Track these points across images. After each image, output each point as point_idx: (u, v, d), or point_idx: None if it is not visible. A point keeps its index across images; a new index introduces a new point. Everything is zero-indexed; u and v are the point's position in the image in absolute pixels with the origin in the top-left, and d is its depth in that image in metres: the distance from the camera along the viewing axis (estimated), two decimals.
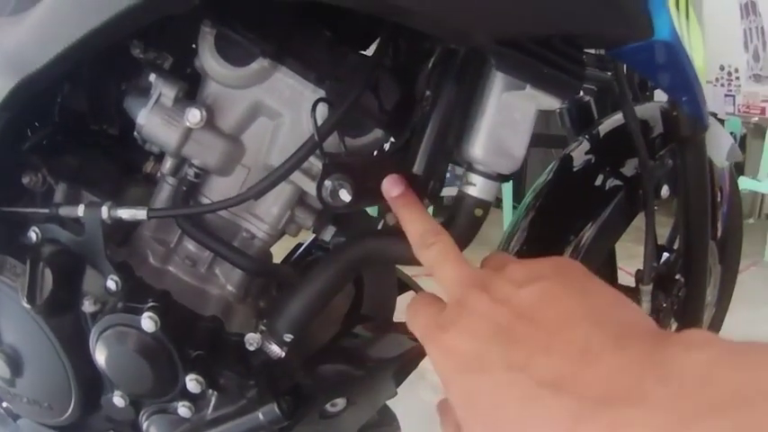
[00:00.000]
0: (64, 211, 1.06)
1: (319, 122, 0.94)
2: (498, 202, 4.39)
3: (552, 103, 0.89)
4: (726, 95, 5.18)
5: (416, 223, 0.80)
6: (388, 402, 1.36)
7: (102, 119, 1.18)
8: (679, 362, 0.47)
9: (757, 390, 0.42)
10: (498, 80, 0.88)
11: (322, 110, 0.96)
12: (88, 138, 1.18)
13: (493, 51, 0.83)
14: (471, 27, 0.81)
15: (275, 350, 1.01)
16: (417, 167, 0.94)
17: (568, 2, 0.81)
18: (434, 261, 0.74)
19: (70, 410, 1.13)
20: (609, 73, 1.43)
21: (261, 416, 1.02)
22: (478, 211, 0.93)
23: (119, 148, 1.17)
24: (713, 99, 5.15)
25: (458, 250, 0.74)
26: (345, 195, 0.92)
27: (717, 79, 5.21)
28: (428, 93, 0.95)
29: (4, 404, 1.25)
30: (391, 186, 0.86)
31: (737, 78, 5.14)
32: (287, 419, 1.02)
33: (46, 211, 1.07)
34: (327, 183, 0.92)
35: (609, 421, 0.46)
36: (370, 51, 1.08)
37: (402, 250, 0.96)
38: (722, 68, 5.17)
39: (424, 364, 1.23)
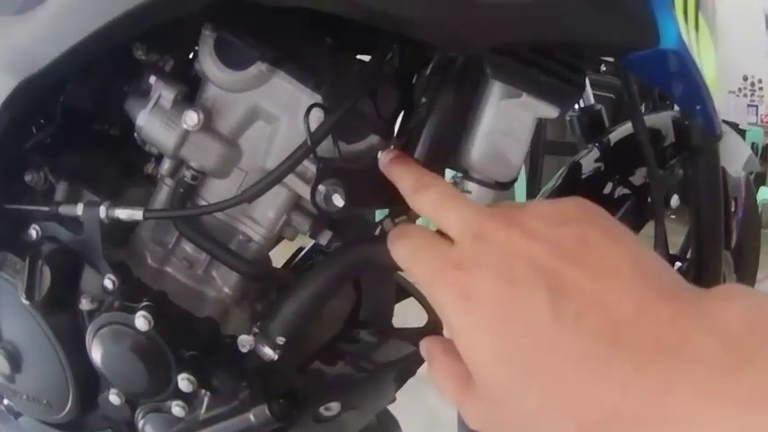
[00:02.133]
0: (64, 210, 1.07)
1: (314, 127, 0.94)
2: None
3: (551, 111, 0.88)
4: (749, 105, 5.15)
5: (410, 172, 0.73)
6: (393, 409, 1.35)
7: (105, 119, 1.18)
8: (720, 313, 0.46)
9: None
10: (496, 88, 0.88)
11: (318, 115, 0.96)
12: (91, 138, 1.19)
13: (488, 59, 0.83)
14: (467, 35, 0.81)
15: (268, 353, 1.00)
16: None
17: (567, 10, 0.80)
18: (434, 203, 0.65)
19: (68, 408, 1.13)
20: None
21: (252, 417, 1.02)
22: None
23: (121, 148, 1.18)
24: (735, 109, 5.12)
25: (461, 194, 0.66)
26: (339, 200, 0.91)
27: (740, 89, 5.18)
28: (424, 99, 0.94)
29: (6, 402, 1.26)
30: (386, 156, 0.82)
31: (761, 89, 5.11)
32: (278, 422, 1.02)
33: (46, 209, 1.08)
34: (321, 187, 0.92)
35: (664, 371, 0.44)
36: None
37: None
38: (745, 79, 5.14)
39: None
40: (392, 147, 0.97)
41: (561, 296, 0.50)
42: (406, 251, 0.65)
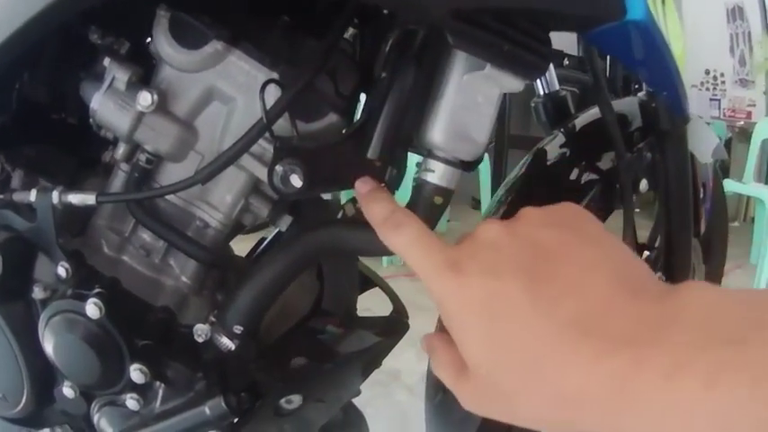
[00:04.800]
0: (17, 197, 1.05)
1: (269, 106, 0.91)
2: (477, 204, 4.37)
3: (516, 84, 0.86)
4: (711, 99, 5.20)
5: (382, 205, 0.75)
6: (361, 405, 1.33)
7: (61, 108, 1.17)
8: (685, 305, 0.52)
9: (751, 321, 0.48)
10: (458, 61, 0.85)
11: (274, 92, 0.93)
12: (48, 127, 1.17)
13: (449, 27, 0.79)
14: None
15: (225, 342, 0.98)
16: (372, 152, 0.91)
17: None
18: (408, 243, 0.68)
19: (23, 402, 1.10)
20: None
21: (207, 410, 0.99)
22: (438, 199, 0.90)
23: (78, 137, 1.15)
24: (698, 103, 5.18)
25: (434, 236, 0.68)
26: (296, 181, 0.89)
27: (702, 83, 5.23)
28: (384, 74, 0.91)
29: None
30: (361, 184, 0.82)
31: (723, 83, 5.17)
32: (235, 415, 0.99)
33: (1, 197, 1.06)
34: (278, 168, 0.89)
35: (630, 356, 0.50)
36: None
37: (356, 240, 0.93)
38: (707, 73, 5.19)
39: (398, 365, 1.21)
40: (351, 126, 0.94)
41: (539, 286, 0.56)
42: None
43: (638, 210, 1.39)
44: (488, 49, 0.81)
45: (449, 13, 0.78)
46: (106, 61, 1.01)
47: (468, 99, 0.86)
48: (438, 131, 0.87)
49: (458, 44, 0.81)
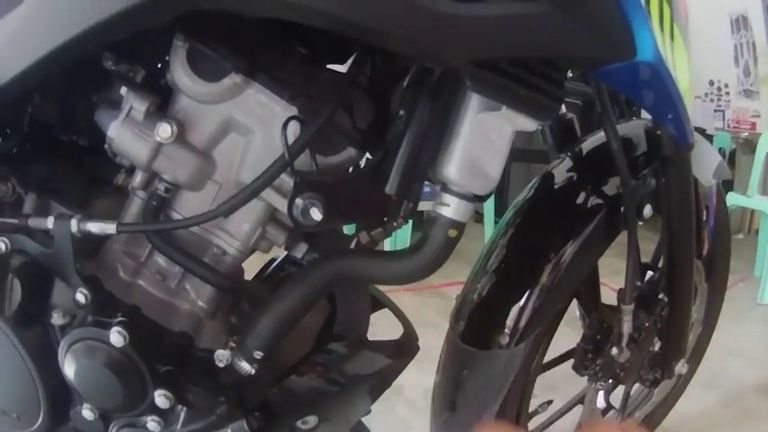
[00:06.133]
0: (33, 223, 1.04)
1: (291, 140, 0.93)
2: (480, 217, 4.37)
3: (529, 124, 0.88)
4: (715, 110, 5.17)
5: None
6: (364, 418, 1.35)
7: (72, 130, 1.16)
8: None
9: None
10: (474, 100, 0.88)
11: (294, 127, 0.95)
12: (58, 149, 1.17)
13: (468, 73, 0.82)
14: (447, 50, 0.80)
15: (245, 367, 1.00)
16: (390, 187, 0.93)
17: (547, 25, 0.80)
18: None
19: (39, 422, 1.11)
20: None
21: None
22: (452, 232, 0.93)
23: (89, 159, 1.16)
24: (702, 114, 5.14)
25: None
26: (316, 214, 0.91)
27: (706, 94, 5.19)
28: (402, 112, 0.94)
29: None
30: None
31: (727, 93, 5.13)
32: None
33: (15, 221, 1.06)
34: (298, 201, 0.91)
35: None
36: (345, 68, 1.07)
37: (373, 270, 0.96)
38: (711, 83, 5.16)
39: (401, 380, 1.22)
40: (370, 161, 0.96)
41: None
42: None
43: (641, 222, 1.40)
44: (505, 93, 0.84)
45: (468, 62, 0.80)
46: (123, 90, 1.02)
47: (483, 137, 0.88)
48: (453, 168, 0.90)
49: (476, 89, 0.84)
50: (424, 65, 0.94)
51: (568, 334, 1.50)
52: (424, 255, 0.95)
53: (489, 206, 4.52)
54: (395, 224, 1.01)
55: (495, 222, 4.34)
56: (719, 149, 4.71)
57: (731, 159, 5.24)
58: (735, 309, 2.20)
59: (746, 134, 5.28)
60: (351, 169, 1.06)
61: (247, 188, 0.96)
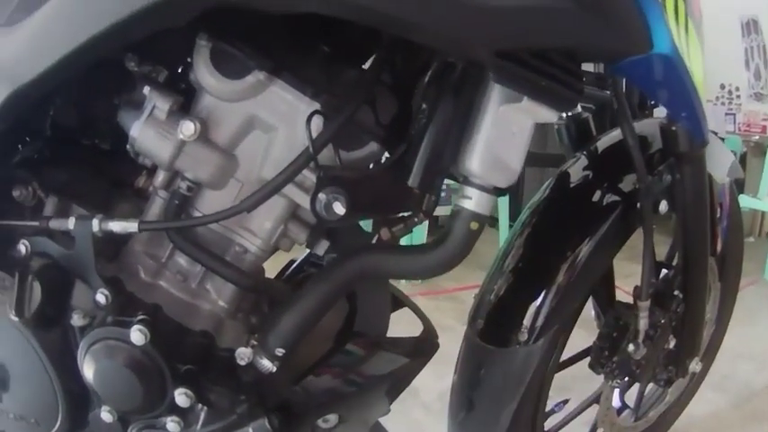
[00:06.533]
0: (54, 224, 1.05)
1: (314, 135, 0.93)
2: (494, 222, 4.36)
3: (550, 116, 0.89)
4: (726, 114, 5.16)
5: None
6: (381, 419, 1.35)
7: (93, 134, 1.16)
8: None
9: None
10: (495, 93, 0.88)
11: (317, 123, 0.96)
12: (79, 152, 1.17)
13: (491, 64, 0.83)
14: (472, 40, 0.81)
15: (266, 365, 1.00)
16: (413, 181, 0.94)
17: (567, 16, 0.81)
18: None
19: (57, 426, 1.12)
20: (608, 92, 1.42)
21: (251, 431, 1.01)
22: (474, 225, 0.93)
23: (110, 163, 1.16)
24: (713, 118, 5.12)
25: None
26: (339, 208, 0.91)
27: (717, 98, 5.18)
28: (424, 106, 0.94)
29: None
30: None
31: (738, 97, 5.12)
32: None
33: (36, 224, 1.06)
34: (321, 196, 0.91)
35: None
36: (367, 65, 1.07)
37: (396, 265, 0.96)
38: (723, 87, 5.15)
39: (417, 382, 1.22)
40: (388, 154, 0.97)
41: None
42: None
43: (654, 225, 1.40)
44: (527, 84, 0.85)
45: (492, 52, 0.80)
46: (146, 90, 1.02)
47: (504, 129, 0.89)
48: (475, 160, 0.90)
49: (499, 80, 0.84)
50: (445, 60, 0.95)
51: (581, 335, 1.50)
52: (447, 248, 0.95)
53: (504, 210, 4.52)
54: (416, 219, 1.01)
55: (510, 226, 4.34)
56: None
57: (742, 162, 5.22)
58: (745, 311, 2.19)
59: (757, 137, 5.27)
60: (373, 164, 1.06)
61: (271, 182, 0.96)
